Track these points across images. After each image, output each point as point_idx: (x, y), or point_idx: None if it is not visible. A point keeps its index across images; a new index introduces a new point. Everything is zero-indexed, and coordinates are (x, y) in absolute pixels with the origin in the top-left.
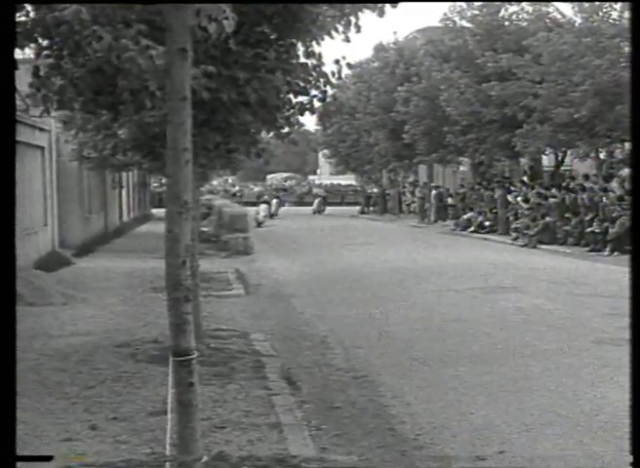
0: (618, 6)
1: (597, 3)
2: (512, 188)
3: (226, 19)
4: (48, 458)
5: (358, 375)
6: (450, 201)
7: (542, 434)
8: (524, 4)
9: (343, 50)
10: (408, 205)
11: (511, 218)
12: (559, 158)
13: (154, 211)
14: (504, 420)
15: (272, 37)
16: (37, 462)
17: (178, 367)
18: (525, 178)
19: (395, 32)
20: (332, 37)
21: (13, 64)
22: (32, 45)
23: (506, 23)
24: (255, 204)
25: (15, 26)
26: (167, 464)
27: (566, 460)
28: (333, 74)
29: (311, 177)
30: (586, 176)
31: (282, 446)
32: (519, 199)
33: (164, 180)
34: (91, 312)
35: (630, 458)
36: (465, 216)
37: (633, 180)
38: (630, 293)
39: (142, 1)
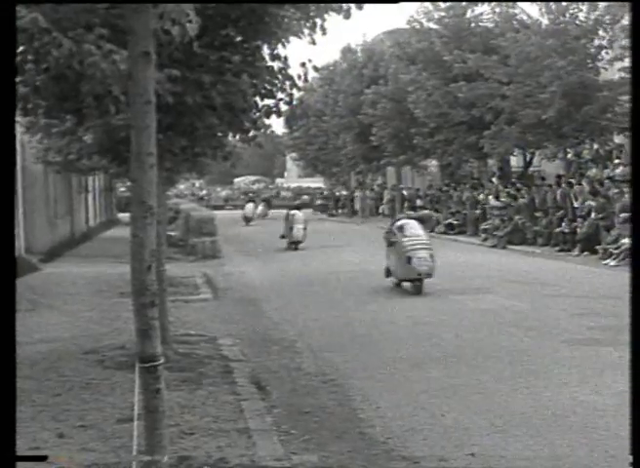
0: (584, 7)
1: (564, 4)
2: (484, 188)
3: (190, 22)
4: (43, 458)
5: (327, 379)
6: (419, 202)
7: (513, 436)
8: (490, 4)
9: (311, 52)
10: (376, 207)
11: (480, 219)
12: (527, 159)
13: (120, 215)
14: (475, 422)
15: (237, 40)
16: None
17: (144, 373)
18: (494, 179)
19: (364, 34)
20: (300, 38)
21: (14, 65)
22: None
23: (473, 25)
24: (222, 207)
25: (15, 27)
26: (134, 464)
27: (536, 462)
28: (299, 77)
29: (279, 180)
30: (559, 177)
31: (251, 451)
32: (490, 197)
33: (130, 184)
34: (58, 318)
35: (611, 457)
36: (434, 217)
37: (633, 180)
38: (630, 295)
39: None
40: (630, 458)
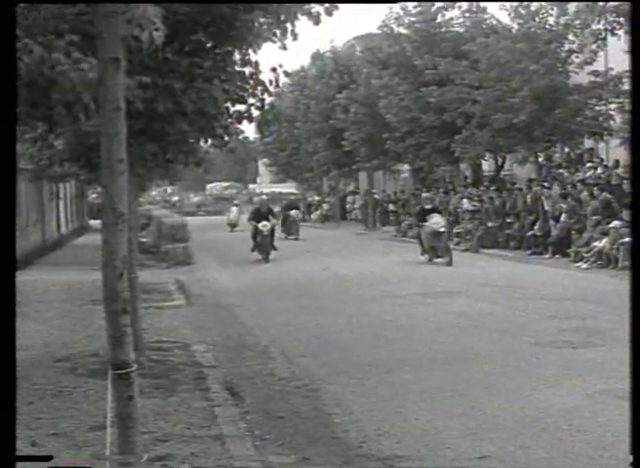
0: (554, 12)
1: (533, 9)
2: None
3: (156, 29)
4: (48, 458)
5: (301, 384)
6: (391, 207)
7: (487, 438)
8: (460, 9)
9: (282, 58)
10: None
11: (452, 223)
12: (499, 163)
13: (92, 222)
14: (448, 425)
15: (208, 45)
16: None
17: (117, 380)
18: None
19: (332, 40)
20: (274, 41)
21: (14, 64)
22: None
23: (443, 30)
24: (194, 213)
25: (15, 26)
26: (107, 463)
27: (510, 464)
28: (270, 82)
29: (252, 186)
30: (530, 181)
31: (225, 457)
32: (464, 201)
33: (101, 191)
34: (30, 326)
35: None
36: (406, 222)
37: (633, 181)
38: (630, 296)
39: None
40: (631, 458)
